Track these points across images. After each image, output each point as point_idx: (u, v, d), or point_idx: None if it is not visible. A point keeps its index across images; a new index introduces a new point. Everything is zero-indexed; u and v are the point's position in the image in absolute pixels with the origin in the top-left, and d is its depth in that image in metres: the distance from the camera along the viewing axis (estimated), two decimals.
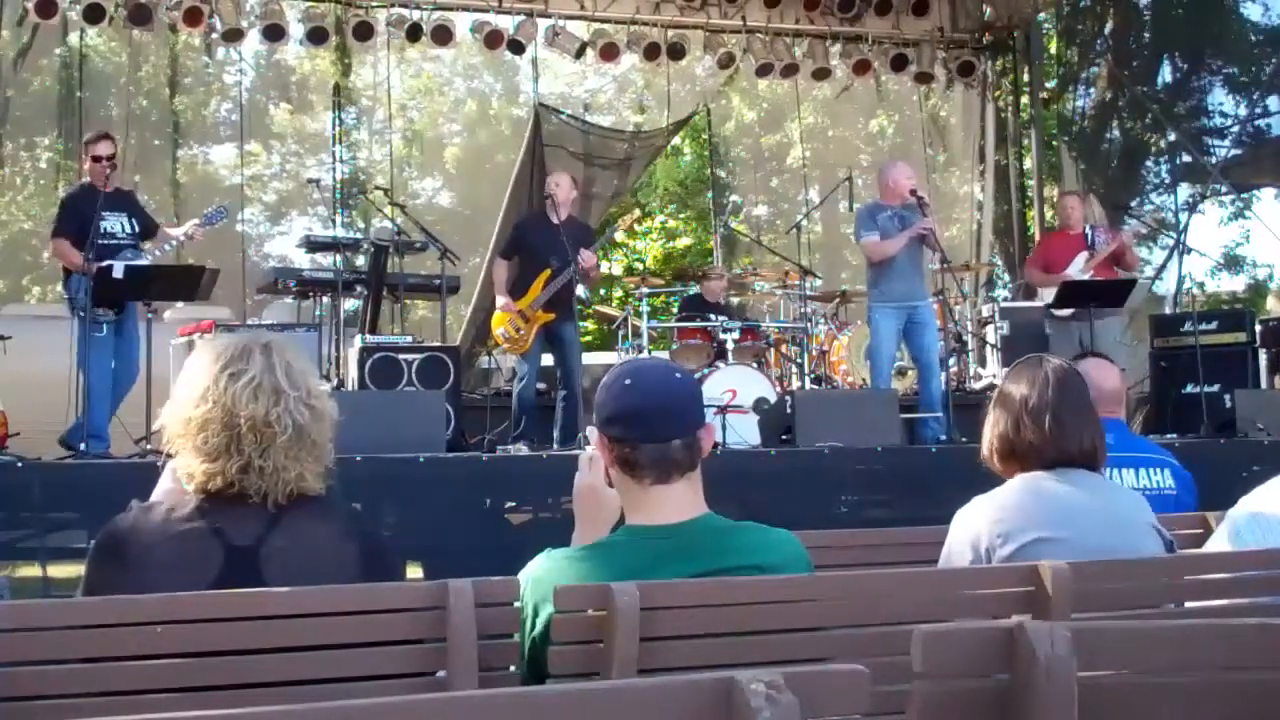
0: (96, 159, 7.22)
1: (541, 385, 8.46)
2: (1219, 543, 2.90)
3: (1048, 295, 8.69)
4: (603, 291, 17.98)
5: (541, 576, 2.21)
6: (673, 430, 2.23)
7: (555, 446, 7.67)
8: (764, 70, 12.10)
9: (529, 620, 2.20)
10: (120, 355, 7.02)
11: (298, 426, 2.26)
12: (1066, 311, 8.51)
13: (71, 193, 7.35)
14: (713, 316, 9.31)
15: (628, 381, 2.25)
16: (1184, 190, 12.92)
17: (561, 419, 7.92)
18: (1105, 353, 8.22)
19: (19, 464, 5.86)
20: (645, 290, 9.27)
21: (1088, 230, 8.65)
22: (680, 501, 2.25)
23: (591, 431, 2.31)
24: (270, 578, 2.21)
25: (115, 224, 7.27)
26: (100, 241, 7.03)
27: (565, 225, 8.02)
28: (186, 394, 2.28)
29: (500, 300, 8.05)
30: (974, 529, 2.82)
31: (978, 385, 10.33)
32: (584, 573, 2.19)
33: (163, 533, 2.22)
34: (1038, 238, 12.49)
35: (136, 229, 7.40)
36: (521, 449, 7.46)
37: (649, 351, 8.83)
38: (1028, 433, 2.85)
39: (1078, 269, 8.44)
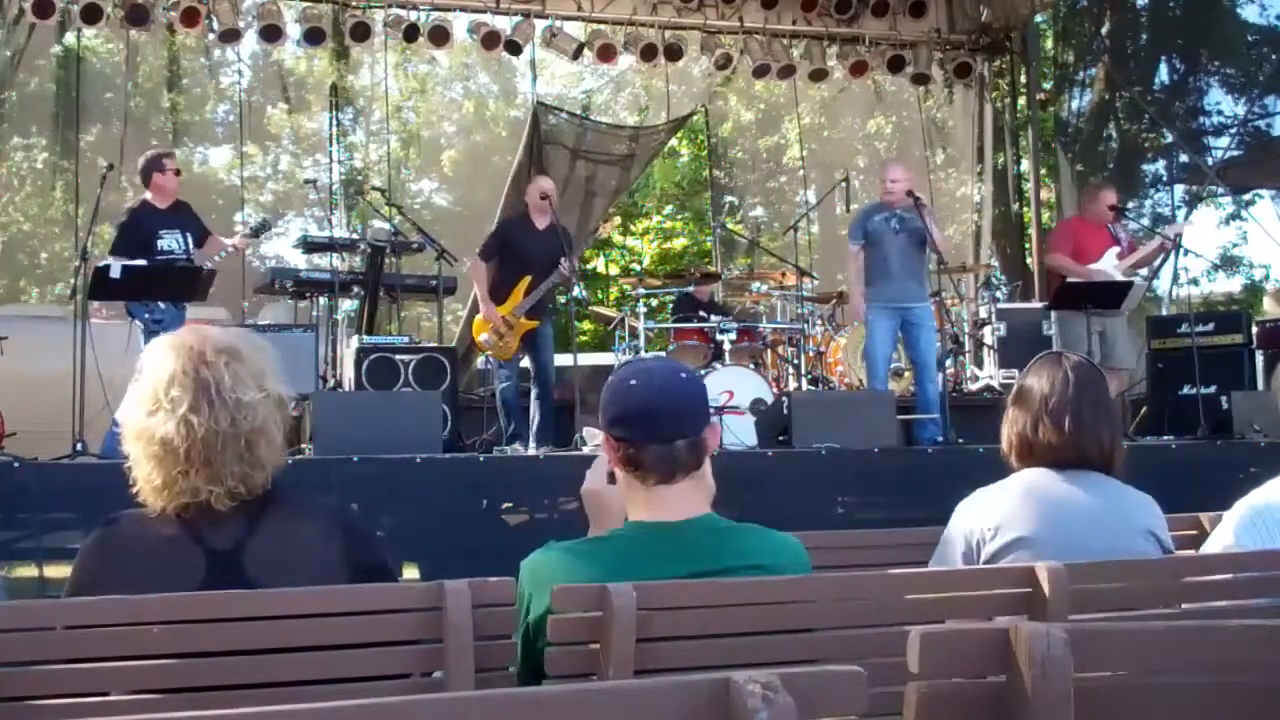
0: (178, 172, 7.63)
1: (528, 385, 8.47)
2: (1217, 544, 2.89)
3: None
4: (600, 293, 18.00)
5: (539, 565, 2.24)
6: (678, 430, 2.23)
7: (534, 445, 7.69)
8: (761, 71, 12.11)
9: (525, 606, 2.22)
10: None
11: (166, 440, 2.18)
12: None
13: (131, 210, 7.53)
14: (705, 316, 9.30)
15: (633, 381, 2.26)
16: (1180, 190, 12.94)
17: (538, 417, 7.96)
18: (1121, 348, 8.30)
19: (15, 464, 5.85)
20: (642, 291, 9.27)
21: (1111, 228, 8.59)
22: (682, 500, 2.26)
23: (589, 432, 2.32)
24: (255, 578, 2.20)
25: (172, 241, 7.48)
26: (158, 259, 7.28)
27: (549, 232, 8.05)
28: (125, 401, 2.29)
29: (484, 308, 8.03)
30: (969, 520, 2.83)
31: (975, 386, 10.33)
32: (581, 564, 2.21)
33: (144, 539, 2.21)
34: (1035, 239, 12.50)
35: (190, 244, 7.59)
36: (518, 449, 7.46)
37: (645, 352, 8.83)
38: (1047, 434, 2.83)
39: (1111, 264, 8.39)
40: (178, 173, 7.67)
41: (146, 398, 2.22)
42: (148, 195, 7.56)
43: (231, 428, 2.20)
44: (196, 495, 2.19)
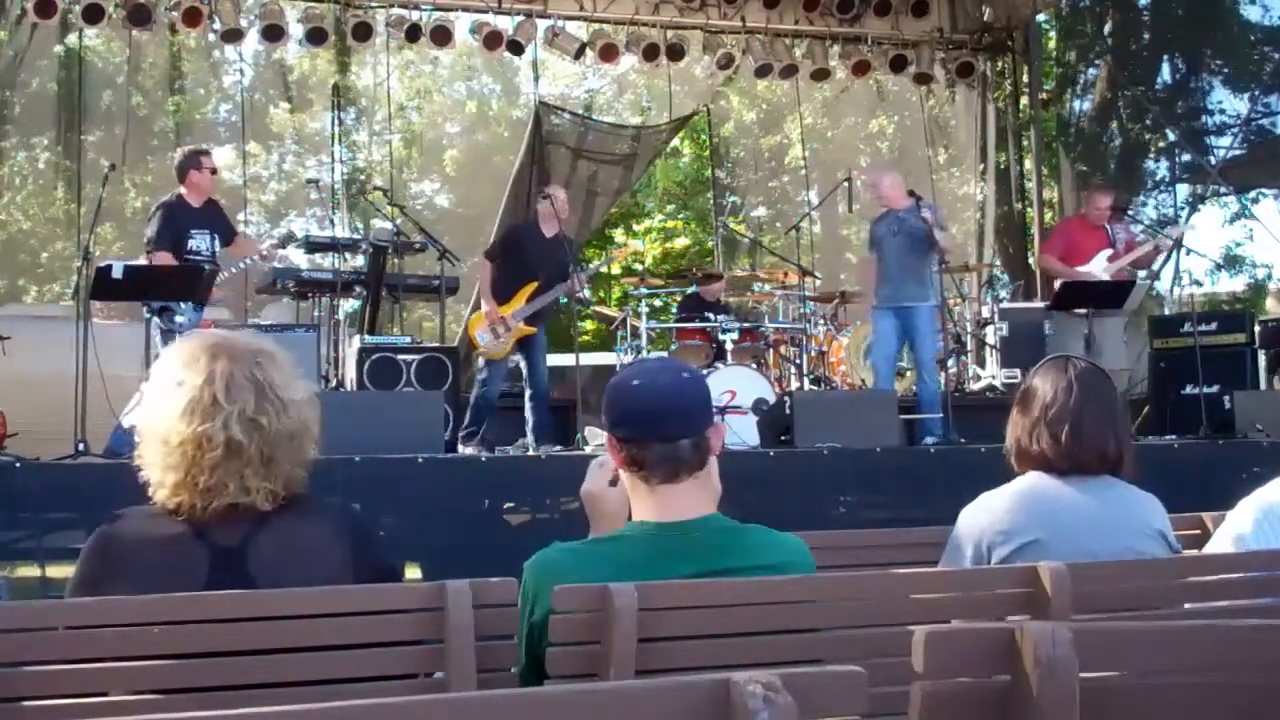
0: (214, 171, 7.62)
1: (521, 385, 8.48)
2: (1221, 544, 2.88)
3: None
4: (602, 292, 18.00)
5: (544, 564, 2.23)
6: (681, 429, 2.22)
7: (532, 446, 7.69)
8: (763, 71, 12.11)
9: (529, 606, 2.21)
10: None
11: (232, 442, 2.17)
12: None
13: (167, 205, 7.49)
14: (711, 316, 9.30)
15: (636, 382, 2.25)
16: (1183, 190, 12.94)
17: (533, 419, 7.99)
18: (1110, 349, 8.30)
19: (17, 464, 5.85)
20: (644, 290, 9.27)
21: (1109, 228, 8.58)
22: (686, 500, 2.25)
23: (590, 432, 2.31)
24: (259, 578, 2.19)
25: (201, 242, 7.47)
26: (187, 258, 7.27)
27: (557, 240, 8.10)
28: (145, 406, 2.26)
29: (485, 305, 8.08)
30: (977, 526, 2.81)
31: (977, 386, 10.33)
32: (586, 564, 2.20)
33: (149, 537, 2.21)
34: (1038, 238, 12.49)
35: (217, 245, 7.58)
36: (481, 450, 7.44)
37: (647, 352, 8.83)
38: (1043, 442, 2.82)
39: (1100, 266, 8.38)
40: (214, 171, 7.66)
41: (194, 401, 2.18)
42: (182, 191, 7.50)
43: (288, 426, 2.22)
44: (247, 494, 2.18)
